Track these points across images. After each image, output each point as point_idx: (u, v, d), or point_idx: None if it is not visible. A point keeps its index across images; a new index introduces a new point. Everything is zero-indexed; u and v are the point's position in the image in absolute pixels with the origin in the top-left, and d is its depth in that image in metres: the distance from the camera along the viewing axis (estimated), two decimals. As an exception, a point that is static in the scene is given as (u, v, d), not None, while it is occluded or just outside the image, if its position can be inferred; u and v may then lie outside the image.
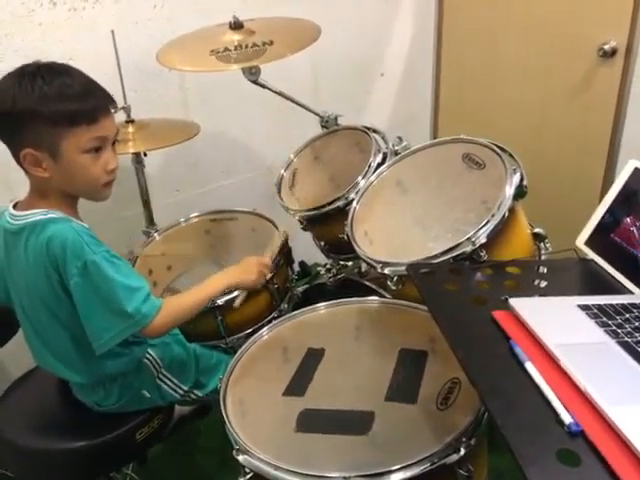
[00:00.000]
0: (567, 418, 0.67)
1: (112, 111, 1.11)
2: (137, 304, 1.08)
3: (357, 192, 1.45)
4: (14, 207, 1.15)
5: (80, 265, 1.05)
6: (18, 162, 1.08)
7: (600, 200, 1.06)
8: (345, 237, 1.37)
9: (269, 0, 1.91)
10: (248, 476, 0.97)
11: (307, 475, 0.91)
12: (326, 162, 1.73)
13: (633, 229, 1.00)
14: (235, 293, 1.41)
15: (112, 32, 1.58)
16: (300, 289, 1.73)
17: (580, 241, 1.08)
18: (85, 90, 1.06)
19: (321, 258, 1.82)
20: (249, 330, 1.51)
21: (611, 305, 0.89)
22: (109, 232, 1.23)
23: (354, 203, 1.42)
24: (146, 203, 1.78)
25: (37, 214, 1.09)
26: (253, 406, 1.10)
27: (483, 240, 1.13)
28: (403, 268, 1.14)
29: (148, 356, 1.30)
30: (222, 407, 1.08)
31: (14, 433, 1.25)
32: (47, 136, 1.04)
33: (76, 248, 1.05)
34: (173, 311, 1.16)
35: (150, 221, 1.80)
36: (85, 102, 1.05)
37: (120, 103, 1.58)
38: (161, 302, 1.13)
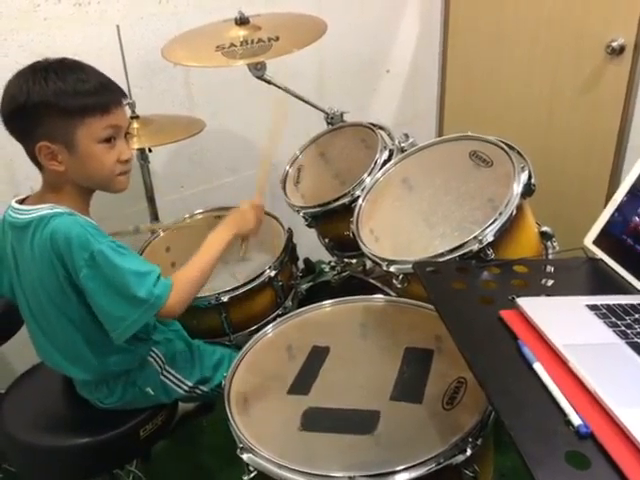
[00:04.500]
0: (576, 420, 0.66)
1: (124, 104, 1.13)
2: (148, 287, 1.07)
3: (363, 189, 1.44)
4: (23, 201, 1.15)
5: (87, 256, 1.04)
6: (32, 157, 1.08)
7: (607, 198, 1.05)
8: (350, 234, 1.36)
9: (275, -4, 1.90)
10: (252, 474, 0.97)
11: (312, 474, 0.91)
12: (331, 159, 1.72)
13: (642, 228, 0.98)
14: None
15: (117, 27, 1.57)
16: (304, 286, 1.73)
17: (588, 240, 1.07)
18: (100, 85, 1.07)
19: (325, 255, 1.82)
20: (253, 327, 1.51)
21: (620, 305, 0.88)
22: (114, 228, 1.22)
23: (360, 200, 1.42)
24: (151, 199, 1.78)
25: (44, 209, 1.09)
26: (257, 404, 1.09)
27: (490, 239, 1.13)
28: (409, 266, 1.14)
29: (152, 353, 1.30)
30: (226, 405, 1.07)
31: (18, 428, 1.25)
32: (62, 128, 1.04)
33: (81, 240, 1.04)
34: (185, 285, 1.14)
35: (155, 217, 1.80)
36: (101, 97, 1.06)
37: (125, 99, 1.58)
38: (171, 281, 1.12)
